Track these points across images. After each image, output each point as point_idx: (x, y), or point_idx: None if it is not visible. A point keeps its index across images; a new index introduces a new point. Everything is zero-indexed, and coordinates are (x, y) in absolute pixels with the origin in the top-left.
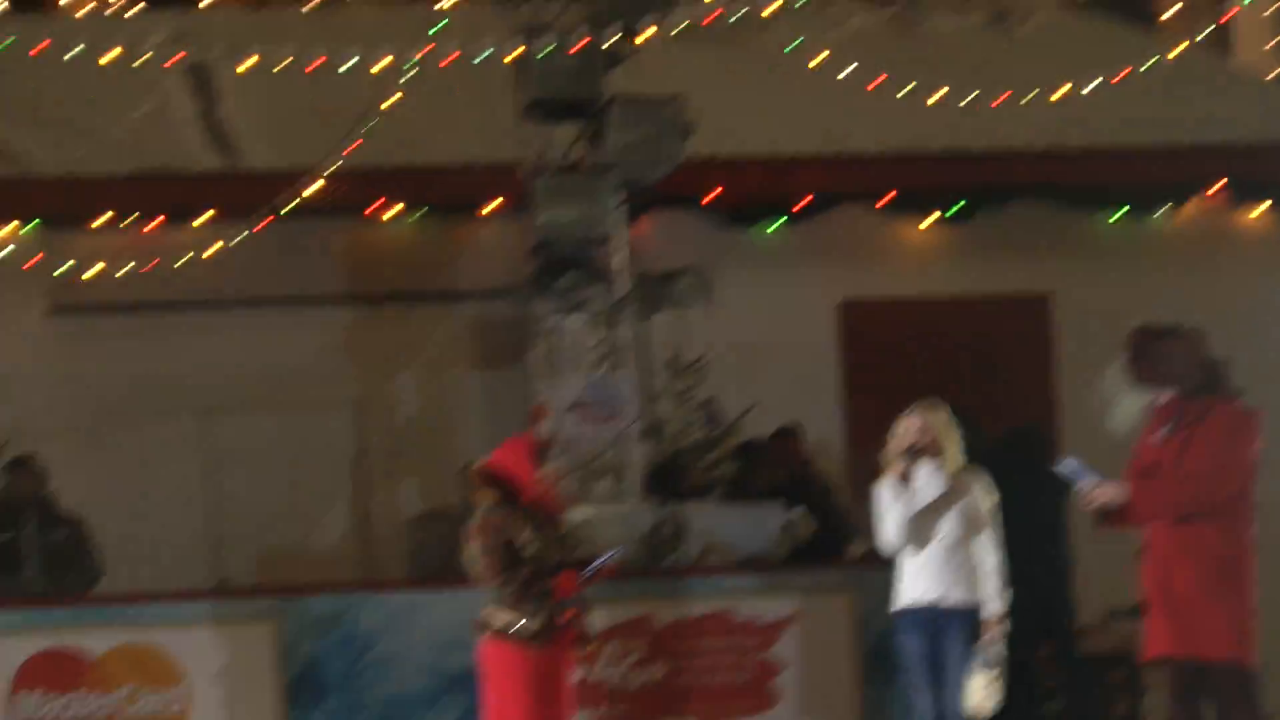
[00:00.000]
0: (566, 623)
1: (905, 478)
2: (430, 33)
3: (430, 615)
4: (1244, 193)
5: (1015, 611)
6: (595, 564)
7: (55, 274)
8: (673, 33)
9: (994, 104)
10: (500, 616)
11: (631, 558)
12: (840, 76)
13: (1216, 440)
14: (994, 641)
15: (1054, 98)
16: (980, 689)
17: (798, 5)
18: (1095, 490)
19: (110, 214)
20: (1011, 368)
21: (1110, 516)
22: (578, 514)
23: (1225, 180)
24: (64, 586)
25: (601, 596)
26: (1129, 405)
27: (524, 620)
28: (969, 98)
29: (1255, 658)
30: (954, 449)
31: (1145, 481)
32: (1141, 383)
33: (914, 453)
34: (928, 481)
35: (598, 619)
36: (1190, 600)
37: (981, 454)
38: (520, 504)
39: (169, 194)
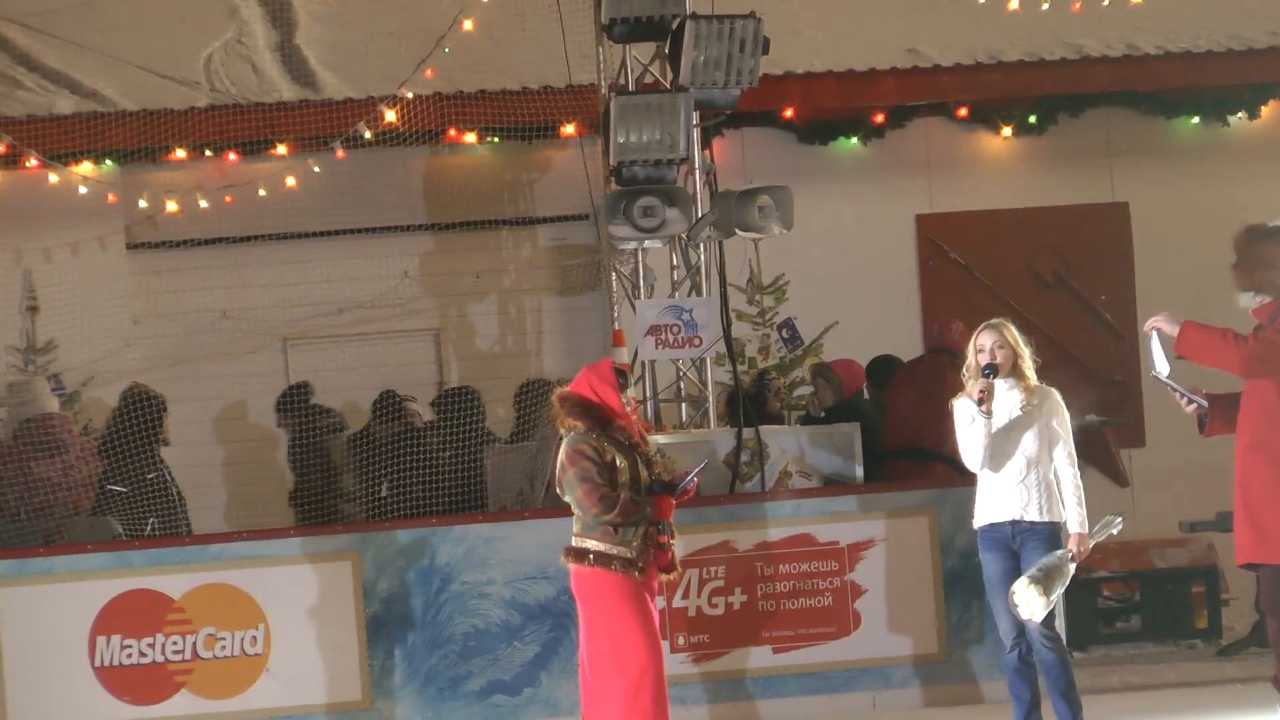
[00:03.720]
0: (663, 547)
1: (985, 394)
2: None
3: (509, 547)
4: None
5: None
6: (685, 483)
7: (134, 209)
8: None
9: (1073, 9)
10: (597, 544)
11: (712, 482)
12: None
13: None
14: (1065, 558)
15: (1132, 2)
16: (1023, 597)
17: None
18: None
19: (187, 148)
20: (1091, 276)
21: (1207, 424)
22: (659, 439)
23: None
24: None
25: (679, 523)
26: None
27: (624, 546)
28: (1044, 5)
29: None
30: (1028, 366)
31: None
32: (1242, 288)
33: (992, 369)
34: (1004, 400)
35: (678, 547)
36: (1262, 502)
37: None
38: (607, 430)
39: (246, 126)
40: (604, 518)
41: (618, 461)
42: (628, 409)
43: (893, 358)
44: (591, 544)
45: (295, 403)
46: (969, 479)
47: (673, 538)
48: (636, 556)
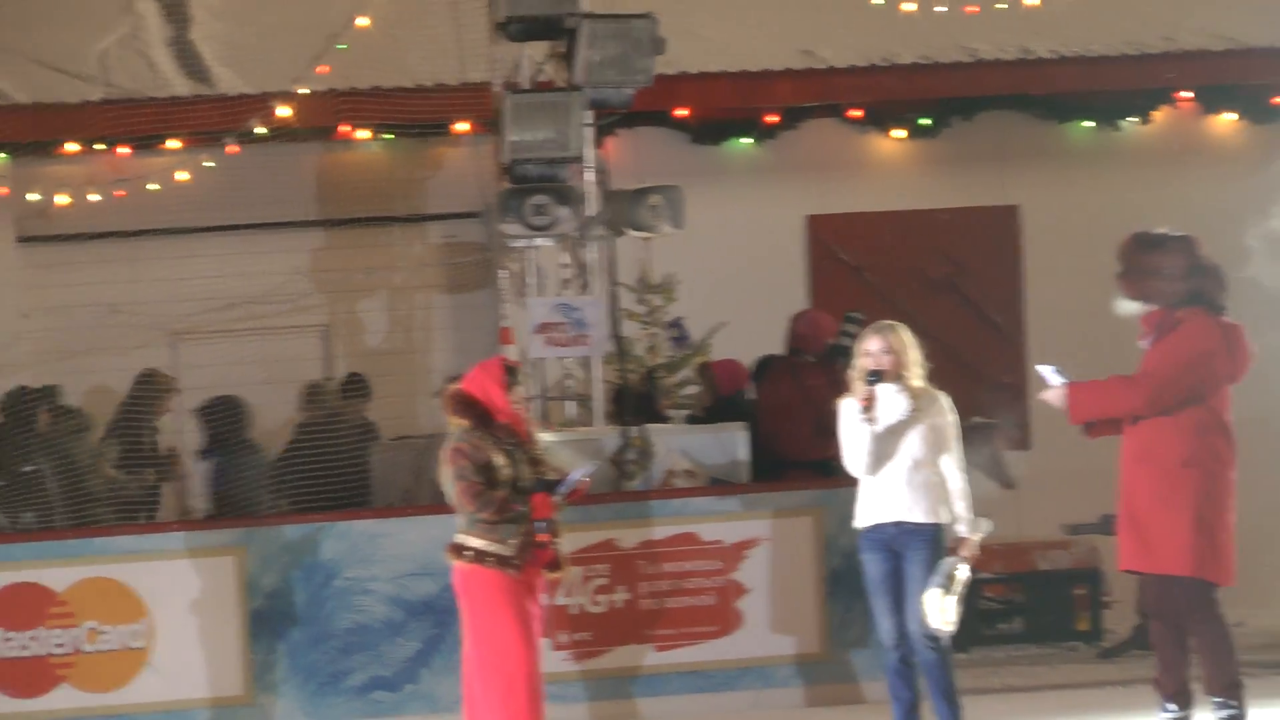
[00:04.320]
0: (543, 546)
1: (868, 400)
2: None
3: (394, 543)
4: (1212, 100)
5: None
6: (568, 483)
7: (25, 202)
8: None
9: (967, 12)
10: (477, 541)
11: (598, 481)
12: None
13: (1173, 345)
14: (956, 563)
15: (1026, 5)
16: (935, 607)
17: None
18: (1044, 393)
19: (80, 142)
20: (980, 279)
21: (1093, 427)
22: (546, 437)
23: (1193, 88)
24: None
25: (567, 521)
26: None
27: (501, 544)
28: (939, 8)
29: (1214, 570)
30: (916, 369)
31: (1079, 384)
32: (1128, 297)
33: (876, 375)
34: (891, 402)
35: (564, 543)
36: (1147, 513)
37: None
38: (492, 428)
39: (139, 120)
40: (478, 515)
41: (497, 460)
42: (515, 407)
43: (775, 357)
44: (471, 541)
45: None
46: (854, 479)
47: (556, 536)
48: (514, 554)
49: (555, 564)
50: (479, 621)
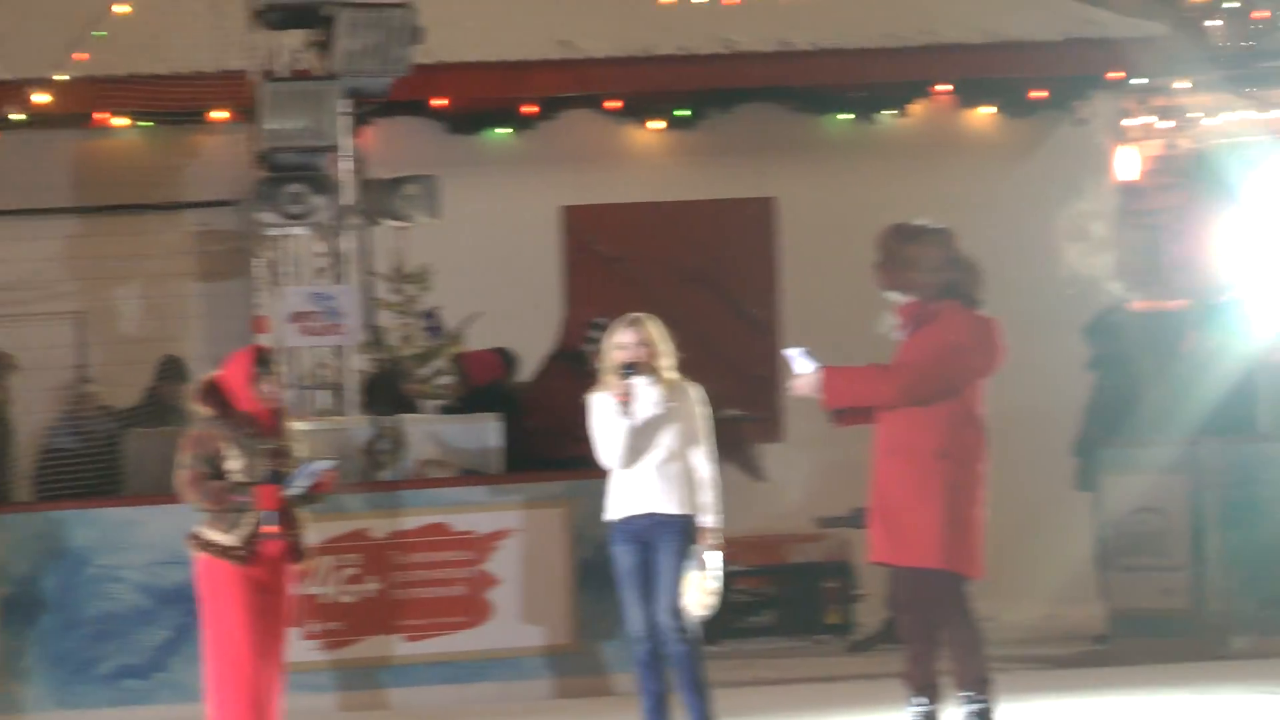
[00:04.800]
0: (272, 537)
1: (626, 395)
2: None
3: (145, 531)
4: (969, 94)
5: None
6: (302, 475)
7: None
8: None
9: (726, 3)
10: (208, 530)
11: (350, 471)
12: None
13: (927, 337)
14: (708, 550)
15: None
16: (696, 587)
17: None
18: (798, 382)
19: None
20: (736, 271)
21: (843, 415)
22: (297, 426)
23: (951, 81)
24: None
25: (318, 511)
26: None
27: (226, 534)
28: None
29: (964, 563)
30: (668, 362)
31: (835, 370)
32: (885, 287)
33: (631, 368)
34: (644, 395)
35: (313, 534)
36: (897, 505)
37: None
38: (233, 418)
39: None
40: (199, 505)
41: (228, 450)
42: (262, 397)
43: (502, 351)
44: (204, 531)
45: None
46: (605, 471)
47: (290, 528)
48: (239, 545)
49: (297, 555)
50: (206, 610)
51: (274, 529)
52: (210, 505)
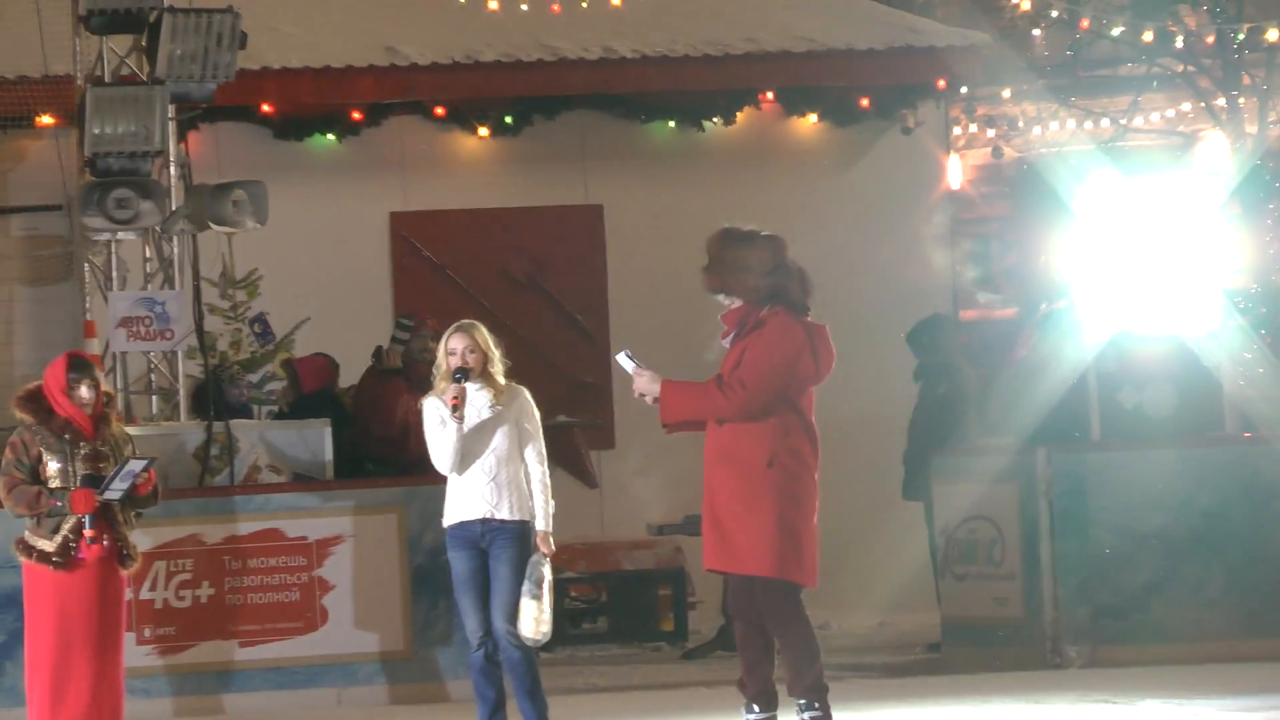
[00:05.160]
0: (93, 541)
1: (458, 399)
2: None
3: None
4: (793, 102)
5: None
6: (113, 479)
7: None
8: None
9: (553, 10)
10: (30, 535)
11: (181, 476)
12: None
13: (760, 349)
14: (540, 563)
15: (611, 4)
16: (531, 617)
17: None
18: (636, 381)
19: None
20: (564, 278)
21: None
22: (131, 431)
23: (775, 89)
24: None
25: (151, 516)
26: None
27: (45, 539)
28: (522, 6)
29: (797, 572)
30: (497, 367)
31: (672, 385)
32: (712, 290)
33: (463, 372)
34: (474, 400)
35: (144, 539)
36: (729, 514)
37: None
38: (52, 423)
39: None
40: (14, 510)
41: (47, 456)
42: (78, 402)
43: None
44: (27, 536)
45: None
46: (439, 477)
47: (117, 532)
48: (55, 550)
49: (124, 559)
50: (27, 614)
51: (91, 533)
52: (25, 511)
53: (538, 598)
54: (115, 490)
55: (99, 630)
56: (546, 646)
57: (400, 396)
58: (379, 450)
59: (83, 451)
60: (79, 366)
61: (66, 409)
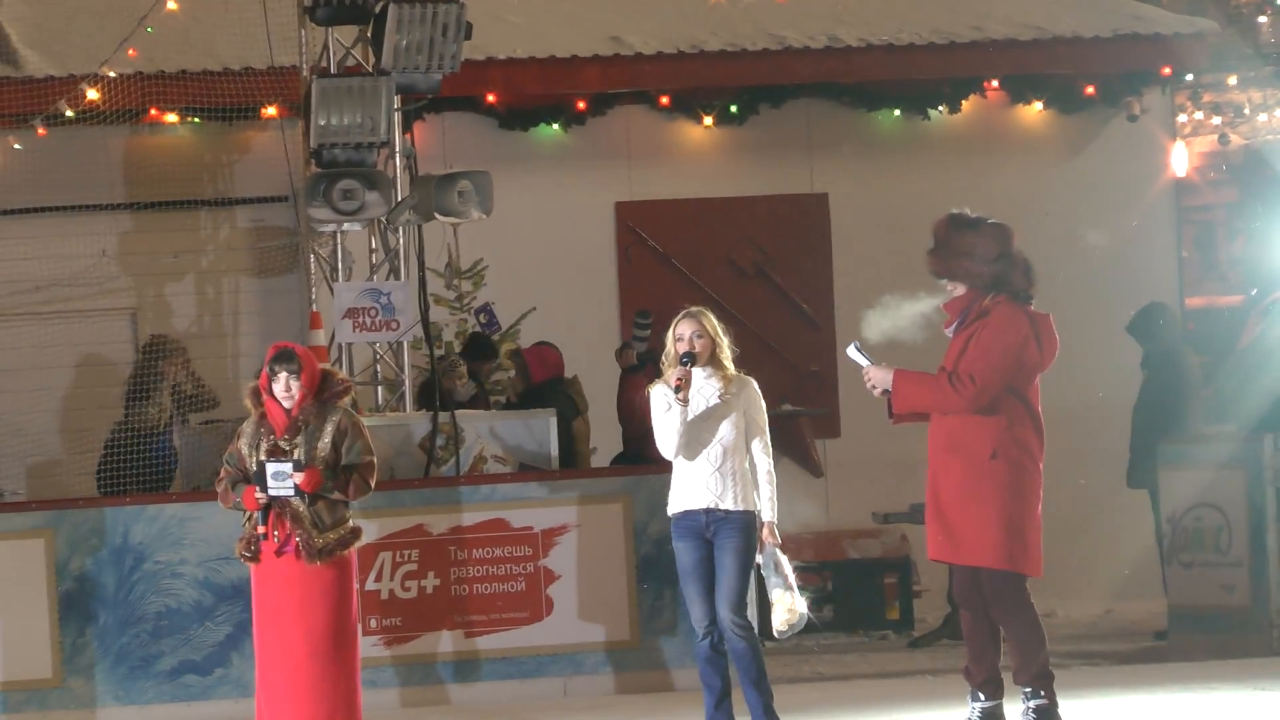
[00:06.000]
0: (260, 538)
1: (681, 381)
2: None
3: (203, 527)
4: (1019, 90)
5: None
6: (273, 476)
7: None
8: None
9: (777, 0)
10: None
11: (407, 466)
12: None
13: (987, 341)
14: (775, 554)
15: None
16: (785, 608)
17: None
18: (868, 373)
19: None
20: (789, 267)
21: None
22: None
23: (1001, 77)
24: None
25: (376, 506)
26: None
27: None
28: None
29: (1023, 562)
30: (726, 354)
31: (904, 375)
32: (936, 274)
33: (690, 356)
34: (701, 388)
35: (369, 529)
36: (954, 505)
37: None
38: (262, 415)
39: None
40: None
41: (246, 449)
42: (275, 396)
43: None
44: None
45: None
46: (664, 466)
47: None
48: (243, 545)
49: (309, 554)
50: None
51: (262, 529)
52: (224, 505)
53: (789, 589)
54: (274, 489)
55: (299, 626)
56: (772, 635)
57: (640, 393)
58: (632, 449)
59: (265, 446)
60: (278, 358)
61: (267, 402)
